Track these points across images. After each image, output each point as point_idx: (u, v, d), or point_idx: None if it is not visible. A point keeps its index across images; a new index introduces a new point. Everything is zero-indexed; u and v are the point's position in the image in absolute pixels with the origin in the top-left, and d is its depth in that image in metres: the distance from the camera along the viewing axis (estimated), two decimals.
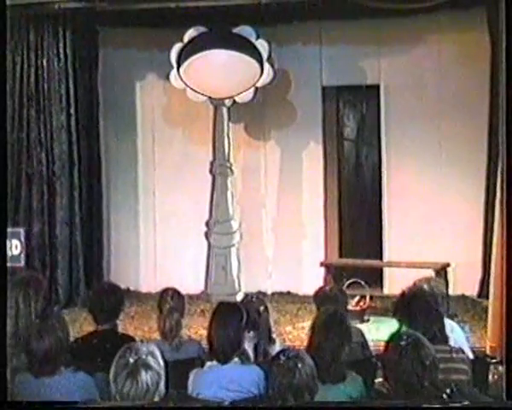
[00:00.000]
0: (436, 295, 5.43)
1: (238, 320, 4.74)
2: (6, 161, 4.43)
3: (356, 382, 4.52)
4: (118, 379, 3.63)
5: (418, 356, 3.91)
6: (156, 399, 3.64)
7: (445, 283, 6.05)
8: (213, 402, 4.41)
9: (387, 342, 4.14)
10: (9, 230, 8.03)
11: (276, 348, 5.27)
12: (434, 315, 4.87)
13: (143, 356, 3.66)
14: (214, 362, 4.62)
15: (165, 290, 5.72)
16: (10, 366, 4.54)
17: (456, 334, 5.46)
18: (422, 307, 4.87)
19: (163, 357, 3.79)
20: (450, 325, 5.30)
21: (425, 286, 5.75)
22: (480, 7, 8.92)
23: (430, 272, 8.05)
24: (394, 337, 4.13)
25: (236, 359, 4.62)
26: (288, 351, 4.08)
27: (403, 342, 3.99)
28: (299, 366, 3.92)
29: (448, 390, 3.91)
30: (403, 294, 5.23)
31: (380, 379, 4.59)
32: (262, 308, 5.47)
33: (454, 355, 4.69)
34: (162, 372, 3.70)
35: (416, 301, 4.98)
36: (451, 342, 4.97)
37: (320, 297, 5.84)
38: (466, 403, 3.92)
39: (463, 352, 4.90)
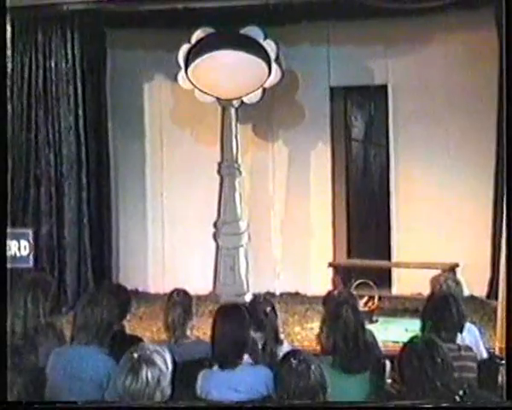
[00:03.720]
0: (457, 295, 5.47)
1: (241, 321, 4.75)
2: (7, 162, 4.44)
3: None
4: (121, 373, 3.68)
5: (431, 356, 3.90)
6: (158, 396, 3.67)
7: (461, 283, 6.10)
8: (216, 402, 4.42)
9: (404, 344, 4.14)
10: (18, 230, 8.04)
11: (284, 348, 5.27)
12: (458, 315, 4.92)
13: (147, 352, 3.70)
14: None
15: (173, 291, 5.76)
16: (19, 365, 4.57)
17: (471, 335, 5.47)
18: (448, 308, 4.91)
19: (173, 358, 3.79)
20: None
21: (443, 286, 5.78)
22: (488, 6, 8.87)
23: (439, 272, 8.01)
24: (411, 339, 4.15)
25: (244, 360, 4.62)
26: (297, 354, 4.07)
27: (416, 341, 4.00)
28: (313, 367, 3.92)
29: (461, 392, 3.91)
30: (431, 295, 5.29)
31: (389, 380, 4.60)
32: (269, 309, 5.47)
33: (463, 353, 4.70)
34: (167, 371, 3.72)
35: (444, 301, 5.02)
36: (466, 342, 4.99)
37: (329, 300, 5.85)
38: (467, 403, 3.93)
39: (471, 350, 4.93)
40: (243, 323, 4.77)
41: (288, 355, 4.09)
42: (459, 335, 5.03)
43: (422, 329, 4.99)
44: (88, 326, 4.67)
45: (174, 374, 3.77)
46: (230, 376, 4.56)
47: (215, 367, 4.66)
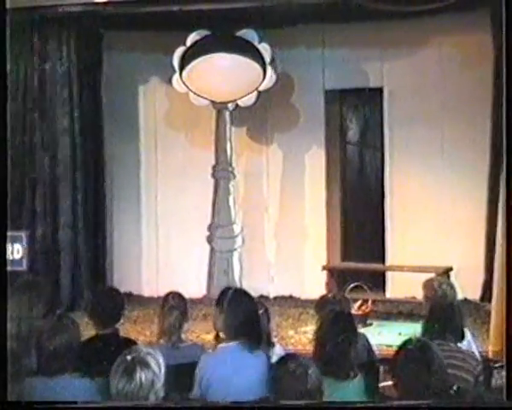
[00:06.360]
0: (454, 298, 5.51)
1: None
2: (6, 164, 4.44)
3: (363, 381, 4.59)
4: (115, 375, 3.67)
5: (424, 360, 3.88)
6: (152, 399, 3.66)
7: (454, 287, 6.14)
8: (213, 402, 4.42)
9: (398, 348, 4.13)
10: (12, 233, 8.02)
11: (276, 351, 5.27)
12: (461, 320, 4.94)
13: (141, 354, 3.70)
14: (224, 344, 4.70)
15: (168, 293, 5.76)
16: (14, 367, 4.57)
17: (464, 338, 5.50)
18: (454, 313, 4.94)
19: (166, 361, 3.79)
20: None
21: (439, 291, 5.81)
22: (483, 9, 8.90)
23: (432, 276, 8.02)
24: (404, 342, 4.13)
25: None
26: (294, 357, 4.06)
27: (410, 346, 3.98)
28: (310, 371, 3.91)
29: (455, 387, 3.91)
30: (435, 300, 5.31)
31: (386, 383, 4.60)
32: (261, 312, 5.48)
33: (464, 350, 4.74)
34: (160, 373, 3.71)
35: (450, 307, 5.05)
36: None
37: (322, 305, 5.85)
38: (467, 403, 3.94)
39: (473, 352, 4.97)
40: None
41: (285, 359, 4.10)
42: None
43: (424, 333, 4.96)
44: (59, 355, 4.40)
45: (168, 377, 3.77)
46: (235, 357, 4.62)
47: (218, 348, 4.70)
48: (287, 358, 4.10)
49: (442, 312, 5.09)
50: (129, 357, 3.68)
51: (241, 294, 5.04)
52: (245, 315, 4.77)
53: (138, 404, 3.65)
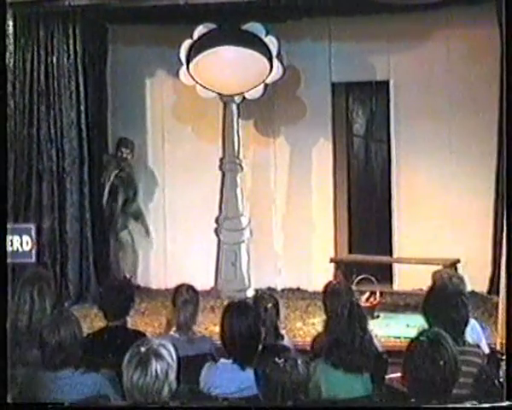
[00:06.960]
0: (463, 292, 5.47)
1: (252, 318, 4.73)
2: (7, 157, 4.45)
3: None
4: (129, 368, 3.63)
5: (433, 354, 3.81)
6: (166, 391, 3.64)
7: (464, 280, 6.10)
8: (214, 401, 4.42)
9: (411, 340, 4.06)
10: (20, 226, 8.07)
11: (285, 343, 5.29)
12: (463, 312, 4.88)
13: (155, 346, 3.68)
14: (228, 361, 4.63)
15: (180, 285, 5.76)
16: (23, 360, 4.58)
17: (474, 331, 5.47)
18: (452, 303, 4.87)
19: (176, 351, 3.79)
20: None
21: (448, 283, 5.77)
22: (490, 2, 8.89)
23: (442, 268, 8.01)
24: (419, 333, 4.07)
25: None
26: (281, 352, 3.89)
27: (422, 338, 3.91)
28: (299, 362, 3.81)
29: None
30: (432, 289, 5.25)
31: (393, 375, 4.59)
32: (270, 305, 5.48)
33: (467, 348, 4.70)
34: (174, 365, 3.69)
35: (448, 297, 4.98)
36: (468, 339, 4.98)
37: (327, 293, 5.87)
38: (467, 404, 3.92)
39: (479, 347, 4.93)
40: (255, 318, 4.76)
41: (273, 355, 3.87)
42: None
43: (429, 324, 4.90)
44: (61, 349, 4.36)
45: (179, 368, 3.76)
46: (234, 372, 4.56)
47: (220, 362, 4.67)
48: (273, 355, 3.87)
49: (441, 303, 5.02)
50: (143, 349, 3.64)
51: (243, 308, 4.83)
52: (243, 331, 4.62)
53: (140, 404, 3.63)
